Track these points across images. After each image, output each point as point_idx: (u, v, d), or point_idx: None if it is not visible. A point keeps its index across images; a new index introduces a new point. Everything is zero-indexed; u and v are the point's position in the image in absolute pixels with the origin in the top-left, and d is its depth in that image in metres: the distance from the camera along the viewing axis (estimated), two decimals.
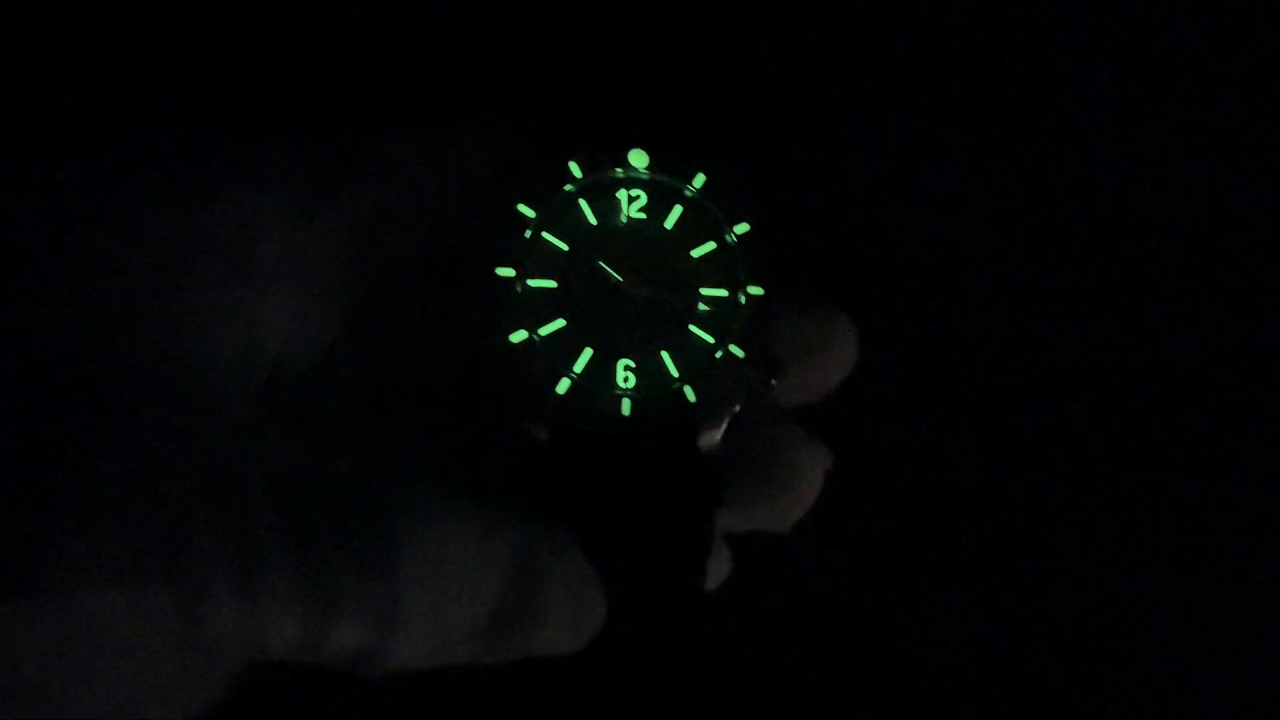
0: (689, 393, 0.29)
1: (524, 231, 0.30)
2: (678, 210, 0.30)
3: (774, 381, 0.29)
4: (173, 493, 0.24)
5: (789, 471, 0.30)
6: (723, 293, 0.30)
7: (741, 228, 0.30)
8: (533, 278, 0.30)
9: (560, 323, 0.30)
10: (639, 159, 0.30)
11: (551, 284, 0.30)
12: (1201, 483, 0.39)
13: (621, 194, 0.30)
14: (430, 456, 0.30)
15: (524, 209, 0.30)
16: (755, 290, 0.30)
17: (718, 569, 0.31)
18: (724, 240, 0.30)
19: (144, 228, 0.27)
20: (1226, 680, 0.38)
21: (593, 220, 0.30)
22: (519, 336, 0.29)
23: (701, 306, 0.30)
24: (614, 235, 0.30)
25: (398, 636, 0.25)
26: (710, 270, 0.30)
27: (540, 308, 0.30)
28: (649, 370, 0.29)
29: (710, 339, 0.30)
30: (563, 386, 0.29)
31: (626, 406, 0.29)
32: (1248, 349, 0.38)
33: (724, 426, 0.29)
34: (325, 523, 0.25)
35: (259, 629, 0.24)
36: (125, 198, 0.27)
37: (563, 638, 0.28)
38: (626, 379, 0.29)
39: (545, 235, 0.30)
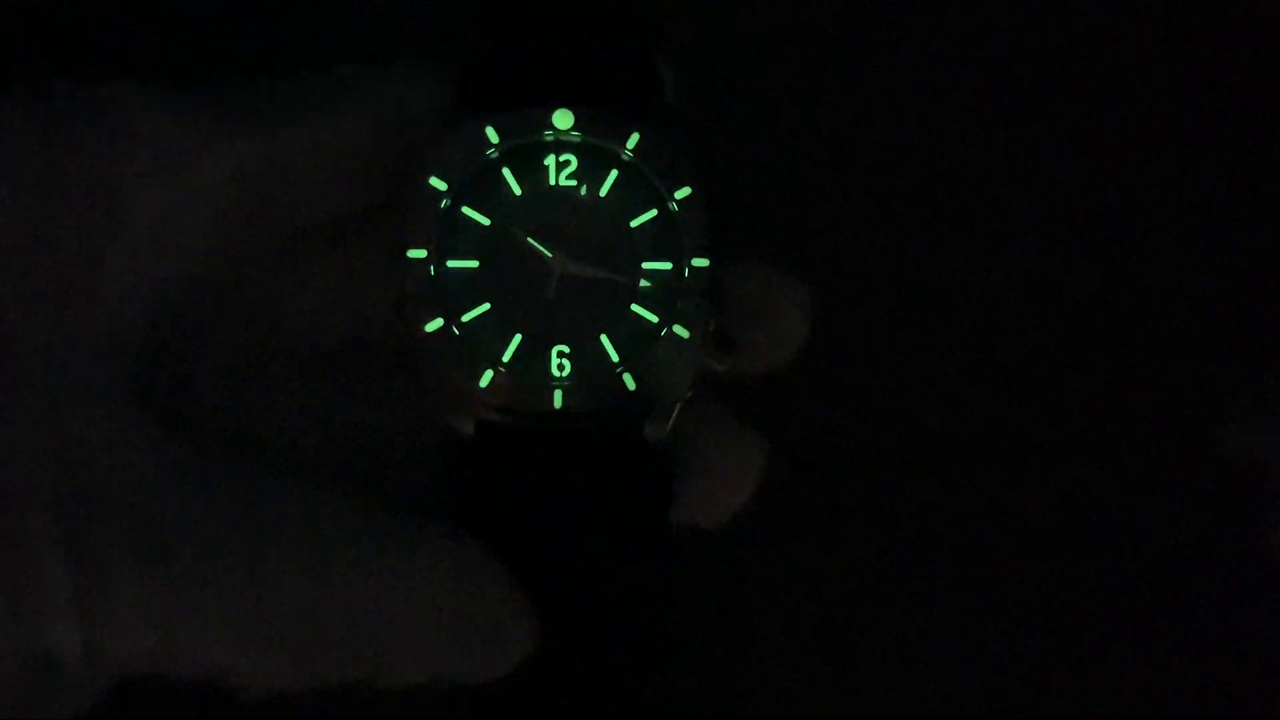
0: (629, 380, 0.27)
1: (438, 205, 0.27)
2: (613, 175, 0.27)
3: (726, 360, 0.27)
4: (11, 495, 0.22)
5: (726, 463, 0.28)
6: (666, 266, 0.27)
7: (683, 192, 0.27)
8: (450, 258, 0.27)
9: (484, 307, 0.27)
10: (564, 119, 0.27)
11: (472, 264, 0.27)
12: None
13: (549, 159, 0.27)
14: (322, 453, 0.28)
15: (436, 182, 0.27)
16: (700, 262, 0.27)
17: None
18: (665, 207, 0.27)
19: None
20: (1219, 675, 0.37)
21: (517, 190, 0.27)
22: (435, 325, 0.26)
23: (643, 283, 0.27)
24: (542, 206, 0.27)
25: (266, 652, 0.23)
26: (651, 242, 0.27)
27: (460, 292, 0.27)
28: (586, 357, 0.27)
29: (654, 318, 0.27)
30: (487, 379, 0.26)
31: (559, 398, 0.26)
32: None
33: (674, 416, 0.27)
34: (187, 526, 0.23)
35: (101, 644, 0.22)
36: None
37: (474, 664, 0.25)
38: (561, 367, 0.27)
39: (464, 210, 0.27)
